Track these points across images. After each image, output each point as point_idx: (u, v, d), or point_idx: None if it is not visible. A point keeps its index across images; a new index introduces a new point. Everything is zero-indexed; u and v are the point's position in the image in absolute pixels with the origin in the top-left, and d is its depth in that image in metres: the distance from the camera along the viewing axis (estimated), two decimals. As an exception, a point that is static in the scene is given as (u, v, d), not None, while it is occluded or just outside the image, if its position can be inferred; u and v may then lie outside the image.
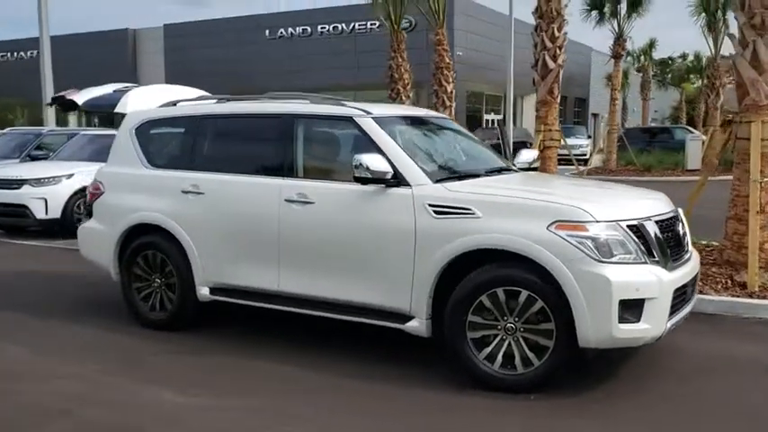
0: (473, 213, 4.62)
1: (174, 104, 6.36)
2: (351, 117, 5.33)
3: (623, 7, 25.48)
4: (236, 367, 5.14)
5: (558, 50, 11.08)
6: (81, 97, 7.90)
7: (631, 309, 4.31)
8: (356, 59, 35.87)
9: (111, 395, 4.60)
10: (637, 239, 4.44)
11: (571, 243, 4.31)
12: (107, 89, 8.05)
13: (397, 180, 4.92)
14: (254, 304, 5.58)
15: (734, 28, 8.05)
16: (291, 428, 4.10)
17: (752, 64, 7.48)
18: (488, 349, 4.58)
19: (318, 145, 5.69)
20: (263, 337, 5.80)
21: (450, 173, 5.30)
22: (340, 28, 38.53)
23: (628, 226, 4.45)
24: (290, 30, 40.00)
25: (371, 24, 38.19)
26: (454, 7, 33.10)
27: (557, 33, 10.98)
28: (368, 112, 5.32)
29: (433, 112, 6.96)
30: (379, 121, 5.28)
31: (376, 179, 4.90)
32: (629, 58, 43.45)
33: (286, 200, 5.32)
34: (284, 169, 5.45)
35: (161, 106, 6.48)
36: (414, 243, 4.78)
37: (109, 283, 6.47)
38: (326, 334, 5.80)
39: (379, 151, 5.03)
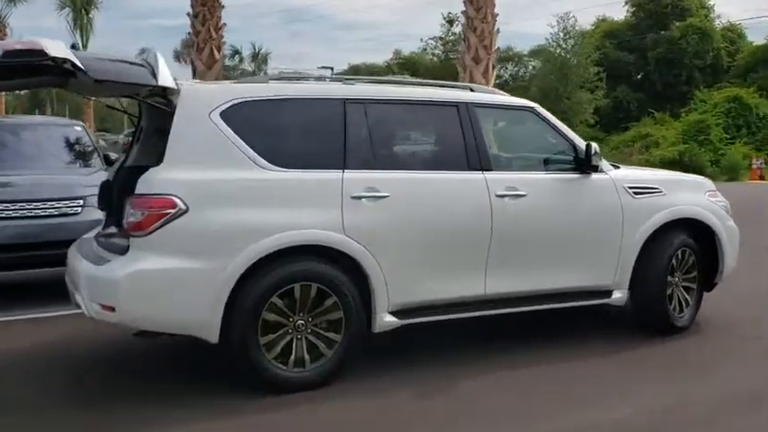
0: (660, 191, 5.49)
1: (267, 81, 4.47)
2: (533, 108, 5.24)
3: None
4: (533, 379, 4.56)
5: (221, 41, 10.57)
6: (54, 49, 3.27)
7: None
8: None
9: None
10: None
11: (720, 206, 5.78)
12: (59, 44, 3.65)
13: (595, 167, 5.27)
14: (447, 317, 4.80)
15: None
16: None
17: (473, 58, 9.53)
18: (673, 302, 5.59)
19: (505, 134, 5.21)
20: (450, 354, 5.03)
21: None
22: None
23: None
24: None
25: None
26: None
27: (220, 24, 10.43)
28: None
29: None
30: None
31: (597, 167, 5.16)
32: None
33: (497, 195, 4.86)
34: (481, 162, 4.88)
35: (249, 82, 4.41)
36: (621, 222, 5.27)
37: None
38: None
39: (568, 139, 5.25)
